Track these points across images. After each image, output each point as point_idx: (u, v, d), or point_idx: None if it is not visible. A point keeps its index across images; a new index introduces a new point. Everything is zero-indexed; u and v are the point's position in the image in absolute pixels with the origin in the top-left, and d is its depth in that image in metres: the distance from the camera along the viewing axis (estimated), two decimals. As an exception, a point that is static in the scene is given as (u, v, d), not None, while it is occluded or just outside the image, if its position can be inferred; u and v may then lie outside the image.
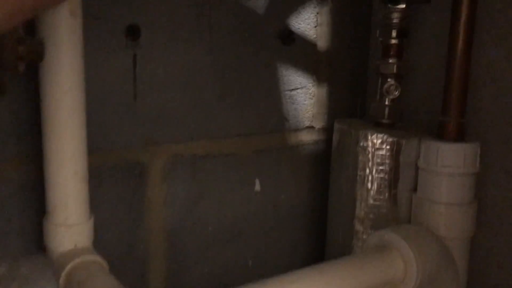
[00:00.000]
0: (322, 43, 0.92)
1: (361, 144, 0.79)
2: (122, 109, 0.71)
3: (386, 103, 0.82)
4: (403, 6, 0.78)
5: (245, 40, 0.82)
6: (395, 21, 0.80)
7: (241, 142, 0.85)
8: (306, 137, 0.94)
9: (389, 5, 0.79)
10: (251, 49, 0.83)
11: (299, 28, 0.89)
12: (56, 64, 0.53)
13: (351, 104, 0.97)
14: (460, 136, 0.73)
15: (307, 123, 0.93)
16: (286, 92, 0.89)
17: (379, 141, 0.77)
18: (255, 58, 0.84)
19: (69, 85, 0.54)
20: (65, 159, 0.57)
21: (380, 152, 0.77)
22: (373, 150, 0.78)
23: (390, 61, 0.81)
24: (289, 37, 0.87)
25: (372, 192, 0.78)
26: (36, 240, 0.63)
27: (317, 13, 0.91)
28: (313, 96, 0.93)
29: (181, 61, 0.75)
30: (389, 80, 0.82)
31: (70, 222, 0.58)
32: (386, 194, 0.77)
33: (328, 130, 0.94)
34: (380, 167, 0.77)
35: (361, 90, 0.98)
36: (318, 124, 0.94)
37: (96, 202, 0.68)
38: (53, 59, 0.52)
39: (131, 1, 0.69)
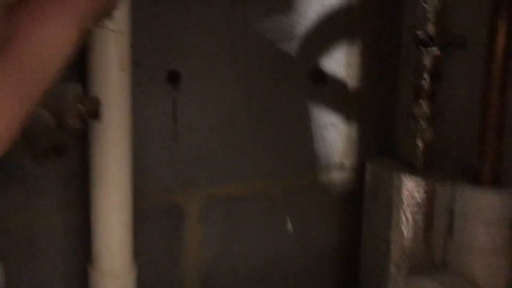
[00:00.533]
0: (352, 82, 0.93)
1: (396, 187, 0.79)
2: (162, 152, 0.73)
3: (419, 145, 0.83)
4: (437, 50, 0.79)
5: (278, 82, 0.83)
6: (427, 64, 0.81)
7: (273, 182, 0.85)
8: (337, 175, 0.94)
9: (422, 48, 0.80)
10: (284, 90, 0.84)
11: (330, 68, 0.90)
12: (106, 119, 0.54)
13: (380, 142, 0.98)
14: (497, 181, 0.73)
15: (337, 161, 0.94)
16: (317, 132, 0.90)
17: (414, 185, 0.77)
18: (287, 99, 0.85)
19: (118, 137, 0.56)
20: (111, 208, 0.58)
21: (415, 196, 0.77)
22: (407, 194, 0.78)
23: (423, 103, 0.82)
24: (320, 77, 0.89)
25: (407, 236, 0.78)
26: (80, 286, 0.64)
27: (348, 53, 0.92)
28: (343, 134, 0.94)
29: (218, 104, 0.76)
30: (421, 122, 0.82)
31: (115, 269, 0.59)
32: (421, 238, 0.77)
33: (358, 167, 0.95)
34: (415, 211, 0.77)
35: (390, 129, 0.98)
36: (348, 162, 0.95)
37: (136, 245, 0.68)
38: (104, 114, 0.53)
39: (172, 48, 0.71)
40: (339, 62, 0.91)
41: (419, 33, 0.81)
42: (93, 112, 0.45)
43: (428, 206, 0.77)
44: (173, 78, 0.71)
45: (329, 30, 0.88)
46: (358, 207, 0.91)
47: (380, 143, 0.98)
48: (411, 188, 0.78)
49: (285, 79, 0.84)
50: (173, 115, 0.72)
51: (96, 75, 0.54)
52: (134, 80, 0.68)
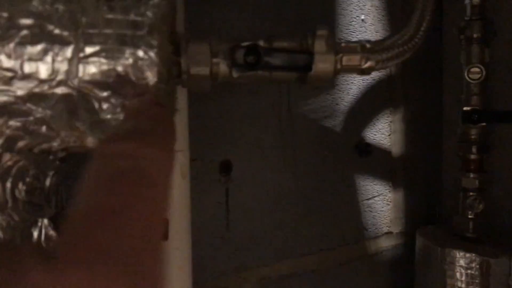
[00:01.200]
0: (396, 150, 0.94)
1: (448, 262, 0.78)
2: (216, 240, 0.75)
3: (470, 216, 0.82)
4: (484, 125, 0.79)
5: (324, 158, 0.85)
6: (474, 137, 0.81)
7: (323, 257, 0.86)
8: (385, 243, 0.94)
9: (470, 124, 0.80)
10: (330, 165, 0.86)
11: (374, 139, 0.91)
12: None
13: (427, 209, 0.97)
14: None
15: (385, 230, 0.94)
16: (364, 202, 0.91)
17: (467, 260, 0.76)
18: (333, 173, 0.86)
19: (177, 243, 0.58)
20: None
21: (469, 271, 0.77)
22: (461, 269, 0.77)
23: (472, 175, 0.82)
24: (366, 149, 0.90)
25: (463, 314, 0.77)
26: None
27: (391, 121, 0.93)
28: (390, 202, 0.94)
29: (267, 187, 0.78)
30: (471, 194, 0.82)
31: None
32: (478, 316, 0.76)
33: (406, 233, 0.95)
34: (470, 287, 0.76)
35: (437, 195, 0.98)
36: (396, 229, 0.95)
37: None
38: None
39: (223, 139, 0.74)
40: (383, 132, 0.92)
41: (466, 109, 0.81)
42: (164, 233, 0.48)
43: (484, 282, 0.76)
44: (225, 167, 0.74)
45: (371, 102, 0.90)
46: (407, 272, 0.90)
47: (428, 210, 0.98)
48: (464, 264, 0.77)
49: (331, 154, 0.86)
50: (226, 204, 0.74)
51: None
52: (190, 173, 0.71)
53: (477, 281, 0.76)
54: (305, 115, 0.81)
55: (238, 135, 0.75)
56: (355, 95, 0.88)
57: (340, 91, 0.86)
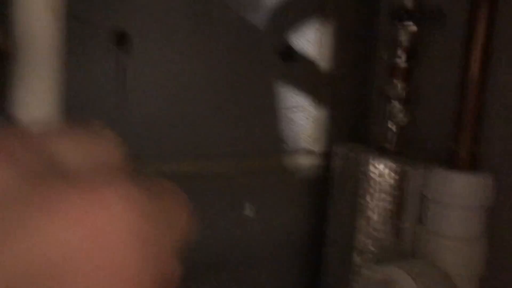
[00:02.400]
0: (323, 63, 0.87)
1: (364, 170, 0.73)
2: (105, 121, 0.65)
3: (392, 128, 0.77)
4: (413, 26, 0.74)
5: (243, 54, 0.77)
6: (403, 41, 0.75)
7: (233, 163, 0.79)
8: (304, 161, 0.88)
9: (398, 24, 0.74)
10: (249, 64, 0.78)
11: (300, 46, 0.84)
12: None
13: (353, 128, 0.92)
14: (472, 166, 0.68)
15: (305, 146, 0.87)
16: (284, 112, 0.84)
17: (383, 168, 0.71)
18: (252, 74, 0.79)
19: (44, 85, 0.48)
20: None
21: (384, 180, 0.71)
22: (376, 177, 0.72)
23: (397, 83, 0.76)
24: (289, 54, 0.83)
25: (374, 223, 0.72)
26: None
27: (320, 31, 0.86)
28: (313, 118, 0.88)
29: (173, 73, 0.70)
30: (395, 103, 0.77)
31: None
32: (389, 225, 0.71)
33: (328, 154, 0.89)
34: (384, 196, 0.71)
35: (365, 113, 0.92)
36: (318, 148, 0.88)
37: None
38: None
39: (120, 6, 0.64)
40: (311, 41, 0.85)
41: (396, 8, 0.76)
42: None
43: (399, 191, 0.71)
44: (122, 39, 0.65)
45: (299, 4, 0.82)
46: (327, 194, 0.84)
47: (353, 128, 0.92)
48: (379, 172, 0.72)
49: (251, 52, 0.78)
50: (120, 81, 0.65)
51: (19, 15, 0.47)
52: (75, 39, 0.61)
53: (391, 190, 0.71)
54: (225, 2, 0.73)
55: (141, 7, 0.66)
56: (283, -8, 0.80)
57: (266, -17, 0.78)
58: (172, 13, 0.68)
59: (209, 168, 0.76)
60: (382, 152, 0.76)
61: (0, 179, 0.14)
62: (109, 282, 0.14)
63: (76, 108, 0.62)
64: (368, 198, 0.72)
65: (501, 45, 0.71)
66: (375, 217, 0.72)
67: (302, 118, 0.86)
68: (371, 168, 0.72)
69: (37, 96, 0.49)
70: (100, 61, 0.64)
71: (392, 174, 0.71)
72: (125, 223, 0.14)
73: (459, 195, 0.65)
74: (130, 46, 0.65)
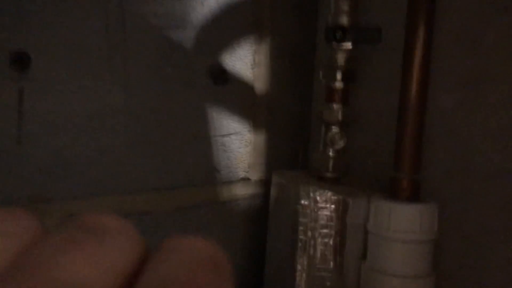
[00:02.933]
0: (259, 85, 0.81)
1: (302, 202, 0.67)
2: (3, 158, 0.56)
3: (330, 154, 0.71)
4: (349, 44, 0.69)
5: (168, 77, 0.70)
6: (340, 62, 0.71)
7: (160, 198, 0.71)
8: (241, 191, 0.81)
9: (334, 44, 0.69)
10: (176, 87, 0.71)
11: (233, 67, 0.78)
12: None
13: (292, 154, 0.86)
14: (414, 195, 0.63)
15: (241, 174, 0.81)
16: (218, 138, 0.77)
17: (323, 199, 0.65)
18: (179, 98, 0.71)
19: None
20: None
21: (324, 212, 0.65)
22: (316, 209, 0.66)
23: (335, 107, 0.71)
24: (222, 76, 0.76)
25: (315, 260, 0.65)
26: None
27: (254, 51, 0.80)
28: (249, 144, 0.81)
29: (84, 99, 0.61)
30: (333, 128, 0.71)
31: None
32: (331, 262, 0.65)
33: (266, 182, 0.82)
34: (324, 230, 0.65)
35: (304, 138, 0.87)
36: (255, 176, 0.82)
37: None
38: None
39: (18, 23, 0.56)
40: (245, 61, 0.79)
41: (331, 26, 0.71)
42: None
43: (339, 225, 0.65)
44: (20, 61, 0.56)
45: (232, 22, 0.76)
46: (266, 225, 0.78)
47: (292, 154, 0.86)
48: (319, 203, 0.66)
49: (179, 75, 0.71)
50: (18, 108, 0.56)
51: None
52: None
53: (332, 223, 0.65)
54: (143, 18, 0.66)
55: (43, 23, 0.57)
56: (212, 9, 0.74)
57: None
58: (82, 30, 0.60)
59: (134, 206, 0.68)
60: (322, 181, 0.70)
61: None
62: None
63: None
64: (308, 232, 0.66)
65: (440, 68, 0.67)
66: (316, 254, 0.65)
67: (238, 144, 0.80)
68: (310, 199, 0.66)
69: None
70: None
71: (332, 206, 0.65)
72: None
73: (402, 228, 0.60)
74: (30, 68, 0.56)
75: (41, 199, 0.59)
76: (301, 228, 0.67)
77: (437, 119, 0.69)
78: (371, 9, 0.74)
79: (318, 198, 0.66)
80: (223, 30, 0.76)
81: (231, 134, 0.78)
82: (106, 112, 0.63)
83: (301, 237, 0.66)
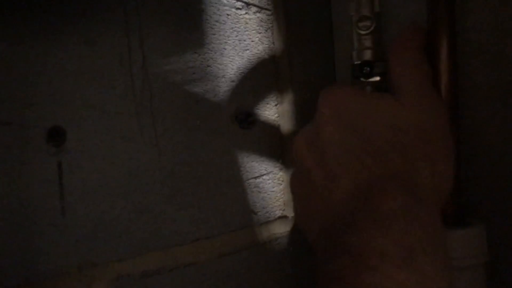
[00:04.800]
0: (285, 122, 0.82)
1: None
2: (49, 229, 0.58)
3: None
4: (377, 78, 0.69)
5: (195, 128, 0.71)
6: (365, 93, 0.71)
7: (201, 247, 0.71)
8: (280, 229, 0.81)
9: (362, 80, 0.70)
10: (204, 137, 0.72)
11: (258, 109, 0.79)
12: None
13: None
14: (460, 219, 0.62)
15: (278, 213, 0.81)
16: (251, 181, 0.78)
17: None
18: (209, 147, 0.73)
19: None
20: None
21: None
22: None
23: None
24: (247, 119, 0.77)
25: None
26: None
27: (276, 90, 0.81)
28: (282, 182, 0.82)
29: (119, 162, 0.63)
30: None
31: None
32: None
33: (303, 218, 0.82)
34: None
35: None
36: (292, 212, 0.82)
37: None
38: None
39: (53, 101, 0.58)
40: (268, 101, 0.80)
41: (357, 62, 0.72)
42: None
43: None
44: (56, 135, 0.58)
45: (251, 66, 0.78)
46: (308, 263, 0.77)
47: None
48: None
49: (204, 124, 0.72)
50: (59, 181, 0.58)
51: None
52: (3, 144, 0.55)
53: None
54: (166, 76, 0.68)
55: (73, 96, 0.60)
56: (231, 58, 0.75)
57: (211, 50, 0.73)
58: (110, 97, 0.63)
59: (177, 260, 0.69)
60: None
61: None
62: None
63: (12, 222, 0.54)
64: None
65: (466, 82, 0.66)
66: None
67: (271, 184, 0.80)
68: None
69: None
70: (34, 165, 0.57)
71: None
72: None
73: (454, 255, 0.59)
74: (65, 141, 0.59)
75: (89, 265, 0.60)
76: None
77: (471, 135, 0.68)
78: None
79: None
80: (244, 75, 0.77)
81: (263, 175, 0.79)
82: (140, 172, 0.65)
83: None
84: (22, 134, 0.56)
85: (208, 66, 0.73)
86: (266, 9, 0.80)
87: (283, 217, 0.81)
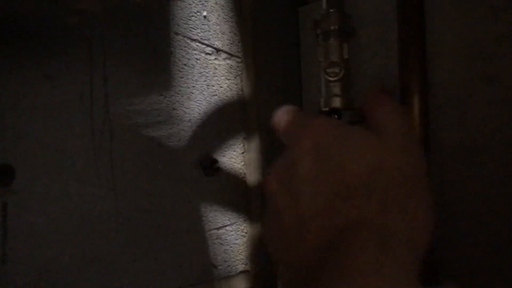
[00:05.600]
0: (251, 171, 0.80)
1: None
2: (-16, 279, 0.52)
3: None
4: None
5: (157, 174, 0.68)
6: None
7: (156, 303, 0.66)
8: (241, 285, 0.76)
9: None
10: (166, 183, 0.68)
11: (223, 156, 0.76)
12: None
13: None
14: (432, 277, 0.60)
15: (241, 267, 0.77)
16: (213, 232, 0.74)
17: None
18: (171, 194, 0.69)
19: None
20: None
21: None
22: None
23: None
24: (212, 166, 0.74)
25: None
26: None
27: (244, 138, 0.79)
28: (245, 233, 0.78)
29: (71, 207, 0.58)
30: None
31: None
32: None
33: (266, 272, 0.78)
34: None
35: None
36: (255, 267, 0.78)
37: None
38: None
39: (4, 138, 0.54)
40: (235, 149, 0.78)
41: (325, 109, 0.71)
42: None
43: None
44: (4, 174, 0.53)
45: (219, 113, 0.76)
46: (269, 324, 0.73)
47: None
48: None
49: (166, 169, 0.69)
50: (2, 225, 0.53)
51: None
52: None
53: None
54: (129, 117, 0.65)
55: (26, 133, 0.55)
56: (198, 102, 0.73)
57: (177, 93, 0.71)
58: (67, 135, 0.59)
59: (126, 314, 0.63)
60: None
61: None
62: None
63: None
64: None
65: (433, 135, 0.66)
66: None
67: (234, 235, 0.76)
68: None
69: None
70: (-27, 204, 0.51)
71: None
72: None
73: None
74: (13, 180, 0.54)
75: (27, 321, 0.54)
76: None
77: (438, 193, 0.67)
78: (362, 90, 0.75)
79: None
80: (211, 121, 0.75)
81: (226, 225, 0.75)
82: (94, 217, 0.60)
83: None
84: (-35, 171, 0.51)
85: (174, 109, 0.70)
86: (236, 56, 0.80)
87: (245, 272, 0.77)
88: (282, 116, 0.38)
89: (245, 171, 0.79)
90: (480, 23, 0.64)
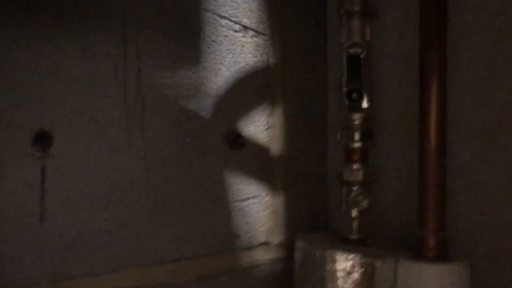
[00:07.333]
0: (275, 147, 0.82)
1: (329, 267, 0.65)
2: (25, 236, 0.56)
3: (354, 215, 0.70)
4: (366, 106, 0.69)
5: (185, 145, 0.70)
6: (357, 122, 0.71)
7: (180, 268, 0.69)
8: (262, 256, 0.79)
9: (350, 103, 0.70)
10: (194, 155, 0.71)
11: (248, 131, 0.78)
12: None
13: (311, 215, 0.85)
14: (443, 253, 0.61)
15: (262, 239, 0.79)
16: (236, 204, 0.76)
17: (350, 263, 0.64)
18: (197, 166, 0.71)
19: None
20: None
21: (352, 277, 0.63)
22: (343, 274, 0.64)
23: (355, 167, 0.71)
24: (238, 140, 0.77)
25: (344, 329, 0.63)
26: None
27: (268, 114, 0.81)
28: (268, 207, 0.80)
29: (104, 173, 0.61)
30: (354, 188, 0.71)
31: None
32: (362, 330, 0.62)
33: (287, 245, 0.81)
34: (352, 295, 0.63)
35: (322, 199, 0.86)
36: (276, 239, 0.80)
37: None
38: None
39: (42, 105, 0.57)
40: (259, 124, 0.80)
41: (346, 89, 0.72)
42: None
43: (367, 286, 0.63)
44: (42, 139, 0.56)
45: (245, 89, 0.78)
46: (288, 293, 0.75)
47: (311, 215, 0.85)
48: (347, 268, 0.64)
49: (194, 141, 0.71)
50: (41, 187, 0.56)
51: None
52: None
53: (360, 285, 0.63)
54: (160, 90, 0.67)
55: (63, 101, 0.58)
56: (226, 78, 0.75)
57: (206, 69, 0.73)
58: (101, 106, 0.61)
59: (154, 279, 0.66)
60: (347, 243, 0.69)
61: None
62: None
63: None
64: (335, 298, 0.64)
65: (455, 121, 0.67)
66: (345, 321, 0.63)
67: (257, 208, 0.79)
68: (336, 264, 0.65)
69: None
70: (17, 168, 0.55)
71: (360, 269, 0.63)
72: None
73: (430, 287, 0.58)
74: (51, 146, 0.57)
75: (63, 277, 0.58)
76: (328, 294, 0.64)
77: (458, 173, 0.68)
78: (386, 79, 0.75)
79: (344, 263, 0.64)
80: (237, 97, 0.77)
81: (249, 198, 0.78)
82: (125, 184, 0.63)
83: (329, 304, 0.64)
84: (7, 135, 0.55)
85: (202, 84, 0.73)
86: (263, 34, 0.81)
87: (265, 244, 0.80)
88: None
89: (269, 146, 0.81)
90: (508, 5, 0.64)
